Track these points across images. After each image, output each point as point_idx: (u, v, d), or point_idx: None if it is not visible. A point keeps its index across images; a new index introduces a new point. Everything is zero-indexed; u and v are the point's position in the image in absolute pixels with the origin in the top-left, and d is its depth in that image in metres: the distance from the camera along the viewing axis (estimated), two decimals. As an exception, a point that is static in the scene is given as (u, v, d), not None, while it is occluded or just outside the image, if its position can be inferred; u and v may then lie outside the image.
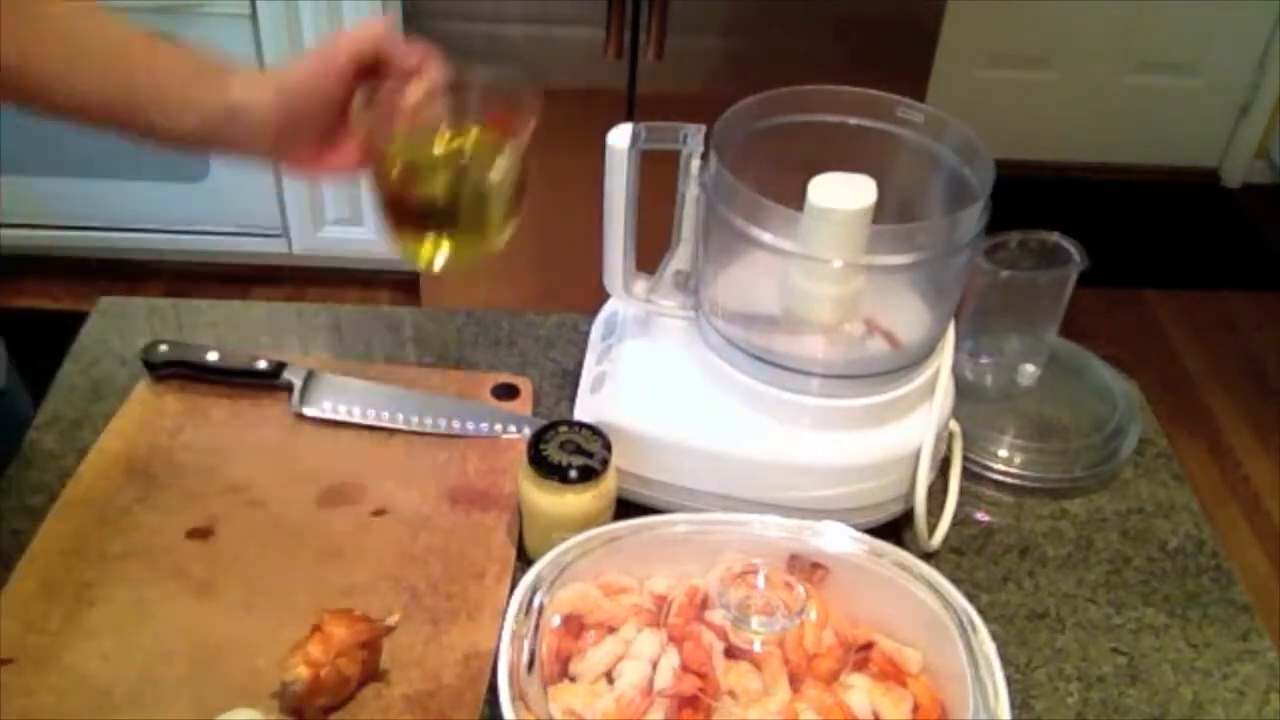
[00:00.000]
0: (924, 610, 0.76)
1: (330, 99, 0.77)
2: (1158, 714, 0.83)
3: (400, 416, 0.99)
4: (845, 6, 1.95)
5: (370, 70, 0.78)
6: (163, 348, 1.01)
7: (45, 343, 1.12)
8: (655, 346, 0.94)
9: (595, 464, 0.84)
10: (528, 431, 0.98)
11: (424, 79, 0.77)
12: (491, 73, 0.78)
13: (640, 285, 0.94)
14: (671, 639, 0.74)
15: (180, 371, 1.01)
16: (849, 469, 0.88)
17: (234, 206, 2.42)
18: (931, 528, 0.92)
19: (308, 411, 0.99)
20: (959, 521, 0.96)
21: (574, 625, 0.75)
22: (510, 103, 0.78)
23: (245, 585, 0.85)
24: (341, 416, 0.99)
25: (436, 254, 0.80)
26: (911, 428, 0.89)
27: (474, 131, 0.79)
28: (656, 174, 0.90)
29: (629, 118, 1.62)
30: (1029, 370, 1.07)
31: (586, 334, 1.03)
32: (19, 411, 1.01)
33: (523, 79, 0.77)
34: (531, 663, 0.70)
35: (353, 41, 0.77)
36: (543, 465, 0.84)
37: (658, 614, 0.76)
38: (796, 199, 0.83)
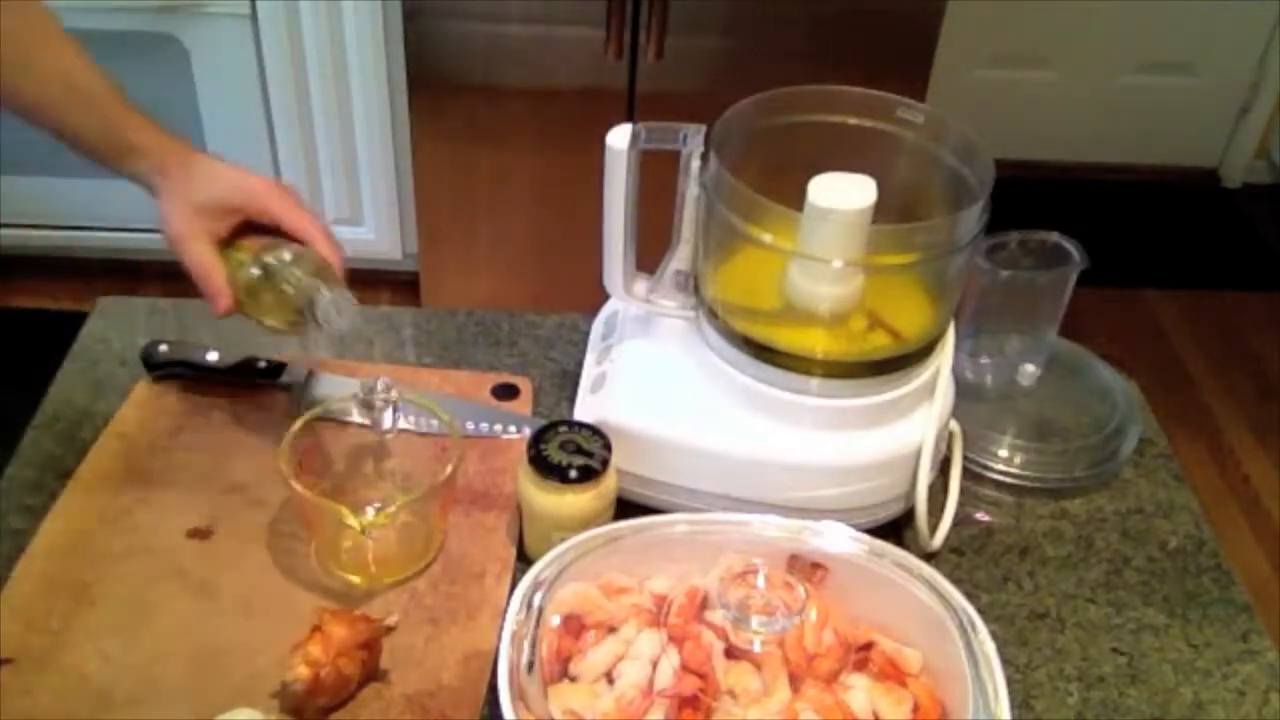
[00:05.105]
0: (924, 610, 0.76)
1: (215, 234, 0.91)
2: (1158, 714, 0.83)
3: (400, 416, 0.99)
4: (845, 6, 1.95)
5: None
6: (163, 348, 1.01)
7: (45, 343, 1.12)
8: (655, 346, 0.94)
9: (595, 464, 0.84)
10: (528, 431, 0.98)
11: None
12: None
13: (640, 285, 0.94)
14: (671, 639, 0.74)
15: (180, 371, 1.01)
16: (849, 469, 0.88)
17: (234, 207, 2.42)
18: (932, 528, 0.92)
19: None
20: (959, 521, 0.96)
21: (574, 625, 0.75)
22: None
23: (245, 585, 0.85)
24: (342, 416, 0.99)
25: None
26: (911, 427, 0.89)
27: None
28: (656, 174, 0.90)
29: (629, 118, 1.63)
30: (1029, 370, 1.07)
31: (586, 334, 1.03)
32: None
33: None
34: (531, 663, 0.70)
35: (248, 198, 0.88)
36: (543, 465, 0.84)
37: (658, 614, 0.76)
38: (796, 199, 0.83)
